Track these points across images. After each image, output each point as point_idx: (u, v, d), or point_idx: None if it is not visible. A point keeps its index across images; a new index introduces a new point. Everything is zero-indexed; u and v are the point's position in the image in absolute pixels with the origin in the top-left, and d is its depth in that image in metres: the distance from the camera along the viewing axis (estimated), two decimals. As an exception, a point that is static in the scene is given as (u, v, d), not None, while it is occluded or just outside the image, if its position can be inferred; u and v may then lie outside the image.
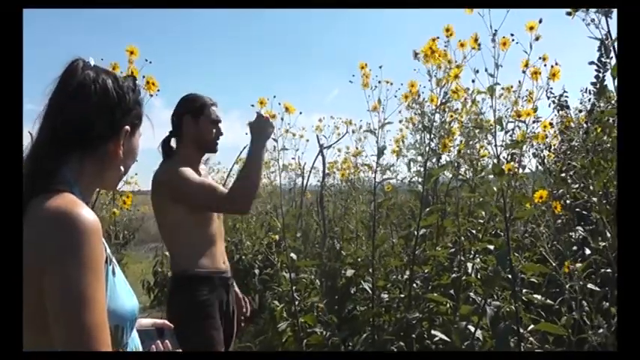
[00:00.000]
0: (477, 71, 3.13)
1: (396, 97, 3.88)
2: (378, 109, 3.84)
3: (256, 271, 5.75)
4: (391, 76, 3.78)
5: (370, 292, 4.09)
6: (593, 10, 3.03)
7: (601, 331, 2.82)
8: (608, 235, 3.51)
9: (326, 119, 5.92)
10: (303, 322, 4.16)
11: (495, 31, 3.03)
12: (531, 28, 3.01)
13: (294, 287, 4.13)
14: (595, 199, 3.34)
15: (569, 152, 4.63)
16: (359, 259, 4.63)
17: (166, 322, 1.67)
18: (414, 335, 3.71)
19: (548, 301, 3.24)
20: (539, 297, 3.23)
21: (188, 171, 2.79)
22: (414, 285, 3.88)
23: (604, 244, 3.36)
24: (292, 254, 4.23)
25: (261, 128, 2.88)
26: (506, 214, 3.15)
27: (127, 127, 1.36)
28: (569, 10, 2.96)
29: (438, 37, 3.51)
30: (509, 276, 3.12)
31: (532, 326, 3.09)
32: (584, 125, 4.67)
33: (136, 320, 1.37)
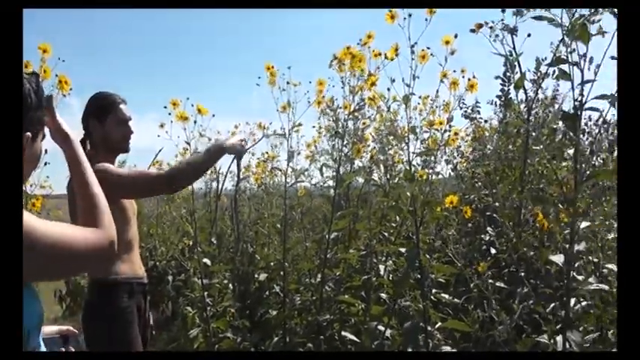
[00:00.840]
0: (394, 80, 3.21)
1: (309, 102, 3.92)
2: (288, 111, 3.86)
3: (170, 278, 5.65)
4: (305, 80, 3.82)
5: (282, 295, 4.09)
6: (499, 26, 3.18)
7: (501, 327, 2.91)
8: (512, 235, 3.67)
9: (242, 125, 5.90)
10: (215, 328, 4.13)
11: (415, 43, 3.11)
12: (447, 43, 3.10)
13: (206, 292, 4.08)
14: (498, 203, 3.48)
15: (479, 159, 4.81)
16: (271, 263, 4.64)
17: (70, 328, 1.63)
18: (322, 337, 3.74)
19: (456, 299, 3.34)
20: (447, 296, 3.32)
21: (112, 166, 2.72)
22: (326, 287, 3.92)
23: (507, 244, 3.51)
24: (205, 259, 4.18)
25: (234, 148, 2.88)
26: (417, 217, 3.23)
27: (28, 134, 1.29)
28: (473, 27, 3.09)
29: (350, 46, 3.59)
30: (419, 276, 3.20)
31: (440, 324, 3.17)
32: (497, 133, 4.87)
33: (41, 325, 1.33)
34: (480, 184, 4.54)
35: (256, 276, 4.70)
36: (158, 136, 3.83)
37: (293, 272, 4.25)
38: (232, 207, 5.38)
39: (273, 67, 3.81)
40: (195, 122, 3.62)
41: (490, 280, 3.26)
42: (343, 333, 3.69)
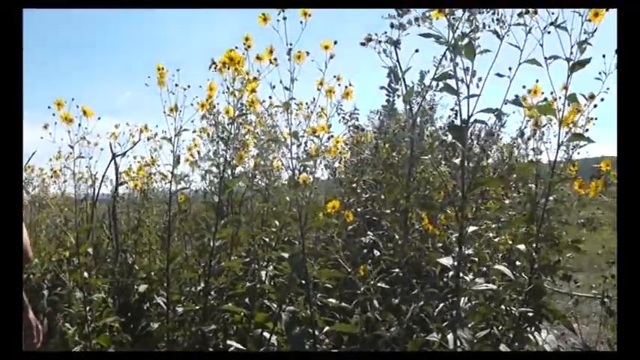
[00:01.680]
0: (274, 86, 3.20)
1: (192, 105, 3.85)
2: (175, 115, 3.78)
3: (45, 292, 5.35)
4: (189, 83, 3.75)
5: (164, 306, 3.99)
6: (384, 39, 3.27)
7: (393, 328, 3.00)
8: (397, 237, 3.80)
9: (122, 126, 5.64)
10: (96, 344, 3.96)
11: (291, 44, 3.12)
12: (326, 47, 3.12)
13: (87, 307, 3.90)
14: (388, 210, 3.57)
15: (359, 165, 4.92)
16: (152, 273, 4.51)
17: None
18: (211, 349, 3.69)
19: (343, 304, 3.39)
20: (333, 300, 3.37)
21: None
22: (209, 296, 3.86)
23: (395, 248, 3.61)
24: (85, 272, 4.00)
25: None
26: (302, 222, 3.25)
27: None
28: (362, 41, 3.15)
29: (236, 47, 3.55)
30: (304, 282, 3.23)
31: (327, 328, 3.21)
32: (374, 142, 4.99)
33: None
34: (360, 188, 4.64)
35: (136, 287, 4.55)
36: (41, 137, 3.65)
37: (175, 282, 4.15)
38: (110, 214, 5.18)
39: (163, 67, 3.72)
40: (79, 125, 3.46)
41: (372, 282, 3.35)
42: (228, 342, 3.66)
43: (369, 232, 4.38)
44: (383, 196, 3.95)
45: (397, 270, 3.83)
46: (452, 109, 4.92)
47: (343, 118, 5.61)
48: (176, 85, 3.70)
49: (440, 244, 3.77)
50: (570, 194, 3.40)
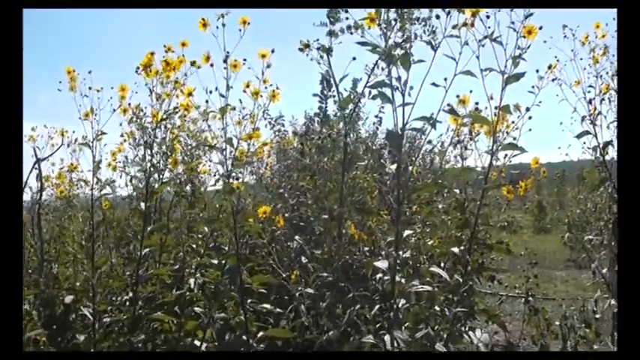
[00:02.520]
0: (211, 91, 3.18)
1: (114, 110, 3.74)
2: (91, 119, 3.66)
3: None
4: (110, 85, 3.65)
5: (91, 317, 3.86)
6: (316, 46, 3.29)
7: (331, 332, 3.02)
8: (326, 243, 3.82)
9: (40, 128, 5.40)
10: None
11: (227, 52, 3.10)
12: (263, 56, 3.12)
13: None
14: (320, 215, 3.58)
15: (285, 170, 4.92)
16: (78, 284, 4.36)
17: None
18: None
19: (278, 309, 3.38)
20: (267, 305, 3.35)
21: None
22: (137, 305, 3.76)
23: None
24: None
25: None
26: (235, 229, 3.22)
27: None
28: (301, 46, 3.17)
29: (154, 52, 3.50)
30: (238, 288, 3.19)
31: (261, 333, 3.18)
32: (300, 147, 5.01)
33: None
34: (286, 194, 4.63)
35: (62, 298, 4.38)
36: None
37: (102, 291, 4.03)
38: (34, 223, 4.96)
39: (74, 70, 3.60)
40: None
41: (300, 288, 3.36)
42: (157, 352, 3.57)
43: (296, 237, 4.38)
44: (315, 202, 3.96)
45: (325, 274, 3.84)
46: (376, 116, 5.01)
47: (269, 123, 5.62)
48: (89, 88, 3.58)
49: (366, 249, 3.83)
50: (499, 199, 3.51)
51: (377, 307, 2.91)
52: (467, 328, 3.06)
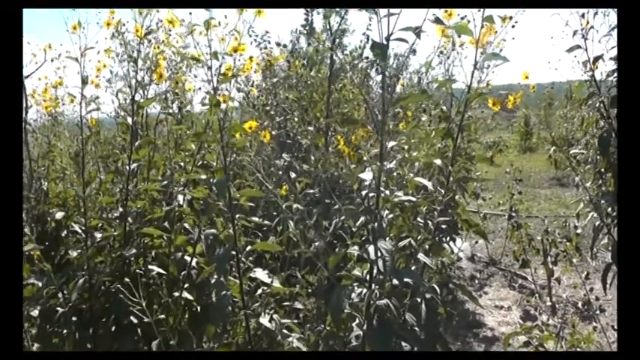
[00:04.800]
0: (195, 5, 3.12)
1: (97, 24, 3.69)
2: (79, 33, 3.60)
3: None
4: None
5: (82, 233, 3.90)
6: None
7: (317, 243, 3.08)
8: (313, 158, 3.85)
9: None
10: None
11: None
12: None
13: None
14: (311, 127, 3.59)
15: (272, 88, 4.90)
16: (68, 199, 4.39)
17: None
18: (130, 275, 3.65)
19: (267, 222, 3.43)
20: (256, 219, 3.40)
21: None
22: (128, 221, 3.81)
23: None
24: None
25: None
26: (223, 143, 3.23)
27: None
28: None
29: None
30: (227, 203, 3.23)
31: (249, 247, 3.24)
32: (287, 62, 4.97)
33: None
34: (273, 112, 4.63)
35: (52, 214, 4.42)
36: None
37: (92, 207, 4.06)
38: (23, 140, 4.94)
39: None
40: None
41: (288, 203, 3.41)
42: (150, 267, 3.64)
43: (283, 155, 4.41)
44: (301, 115, 3.95)
45: (313, 191, 3.89)
46: (363, 34, 4.97)
47: (255, 40, 5.55)
48: (73, 0, 3.50)
49: (353, 166, 3.86)
50: (483, 112, 3.53)
51: (362, 218, 2.95)
52: (448, 239, 3.13)
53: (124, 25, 3.89)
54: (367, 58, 4.43)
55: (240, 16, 3.22)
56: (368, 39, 4.88)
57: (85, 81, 3.80)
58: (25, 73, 4.82)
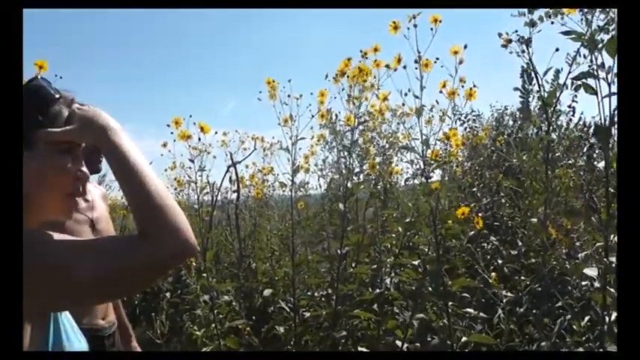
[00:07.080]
0: (406, 94, 3.18)
1: (311, 113, 3.88)
2: (290, 125, 3.82)
3: (167, 295, 5.52)
4: (300, 91, 3.78)
5: (290, 311, 4.04)
6: (515, 38, 3.22)
7: (544, 344, 2.94)
8: (520, 244, 3.73)
9: (231, 133, 5.73)
10: (225, 345, 4.05)
11: (419, 52, 3.10)
12: (455, 53, 3.09)
13: (216, 311, 4.00)
14: (535, 219, 3.49)
15: (477, 168, 4.85)
16: (276, 278, 4.59)
17: None
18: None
19: (482, 314, 3.35)
20: (471, 311, 3.33)
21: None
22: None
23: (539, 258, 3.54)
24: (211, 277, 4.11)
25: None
26: (435, 230, 3.22)
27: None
28: (503, 42, 3.11)
29: (351, 58, 3.59)
30: (440, 291, 3.19)
31: (464, 338, 3.16)
32: (492, 141, 4.93)
33: None
34: (479, 193, 4.58)
35: (260, 291, 4.64)
36: (161, 155, 3.86)
37: (302, 287, 4.21)
38: (231, 221, 5.29)
39: (273, 81, 3.78)
40: (199, 139, 3.60)
41: (503, 292, 3.29)
42: (360, 349, 3.67)
43: (491, 238, 4.31)
44: (513, 202, 3.84)
45: (535, 284, 3.74)
46: (569, 106, 4.78)
47: (459, 119, 5.57)
48: (288, 95, 3.73)
49: (564, 251, 3.67)
50: None
51: (587, 318, 2.77)
52: None
53: (336, 115, 4.07)
54: (581, 136, 4.26)
55: (451, 101, 3.26)
56: (574, 112, 4.69)
57: (297, 169, 4.00)
58: (237, 160, 5.20)
